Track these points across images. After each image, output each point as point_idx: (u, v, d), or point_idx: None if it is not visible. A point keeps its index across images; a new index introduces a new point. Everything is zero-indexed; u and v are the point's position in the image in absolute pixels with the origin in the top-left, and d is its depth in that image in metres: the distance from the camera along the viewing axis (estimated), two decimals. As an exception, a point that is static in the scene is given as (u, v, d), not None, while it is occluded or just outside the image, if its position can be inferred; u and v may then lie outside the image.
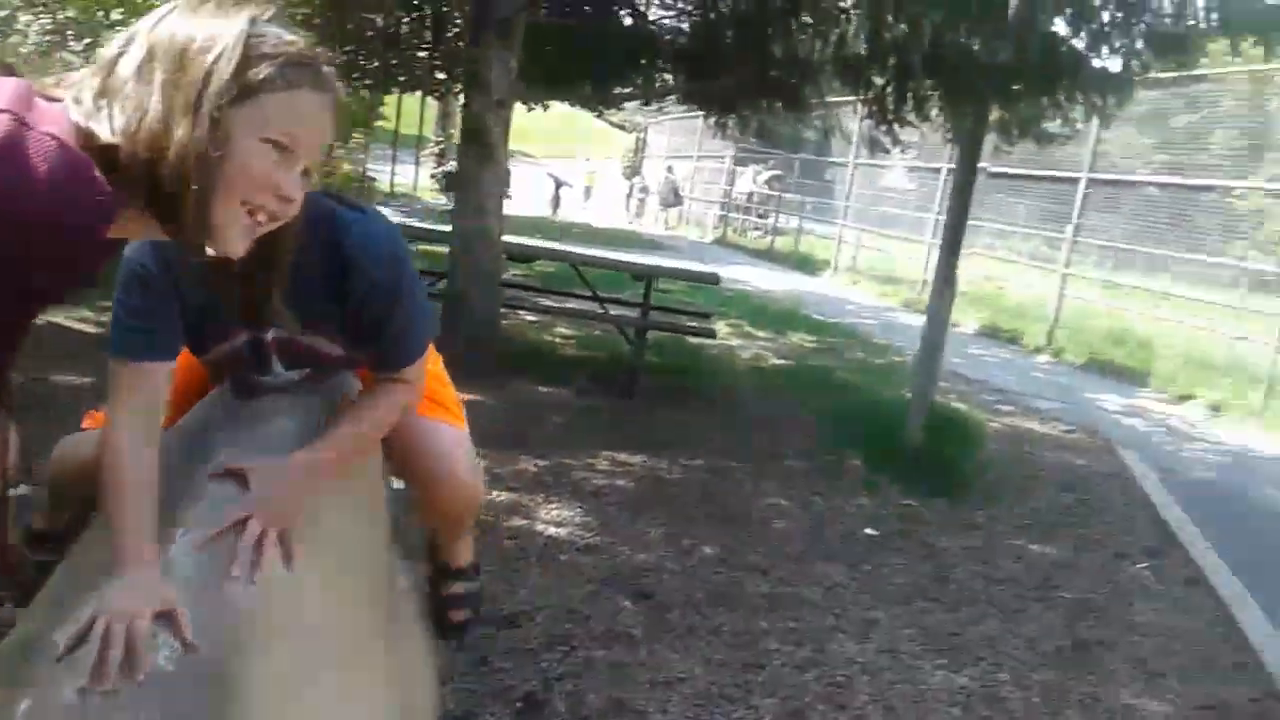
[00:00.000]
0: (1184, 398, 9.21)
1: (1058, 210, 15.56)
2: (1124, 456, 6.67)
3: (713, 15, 6.88)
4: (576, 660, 3.19)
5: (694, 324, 7.20)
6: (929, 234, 14.83)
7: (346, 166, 14.87)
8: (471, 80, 5.93)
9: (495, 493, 4.45)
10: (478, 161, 5.93)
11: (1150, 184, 12.24)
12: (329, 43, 8.81)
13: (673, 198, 26.41)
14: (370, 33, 8.28)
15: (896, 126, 6.28)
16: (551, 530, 4.18)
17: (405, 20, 7.64)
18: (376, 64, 8.82)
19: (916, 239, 15.94)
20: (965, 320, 12.17)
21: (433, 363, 2.04)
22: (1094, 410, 8.41)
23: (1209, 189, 12.07)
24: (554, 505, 4.44)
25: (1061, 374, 10.23)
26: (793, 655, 3.42)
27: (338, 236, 1.61)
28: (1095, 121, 8.89)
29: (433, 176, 25.78)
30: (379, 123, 21.09)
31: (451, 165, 21.94)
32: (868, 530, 4.70)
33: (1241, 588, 4.39)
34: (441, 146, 25.68)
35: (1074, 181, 11.46)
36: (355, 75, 9.83)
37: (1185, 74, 8.91)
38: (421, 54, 8.34)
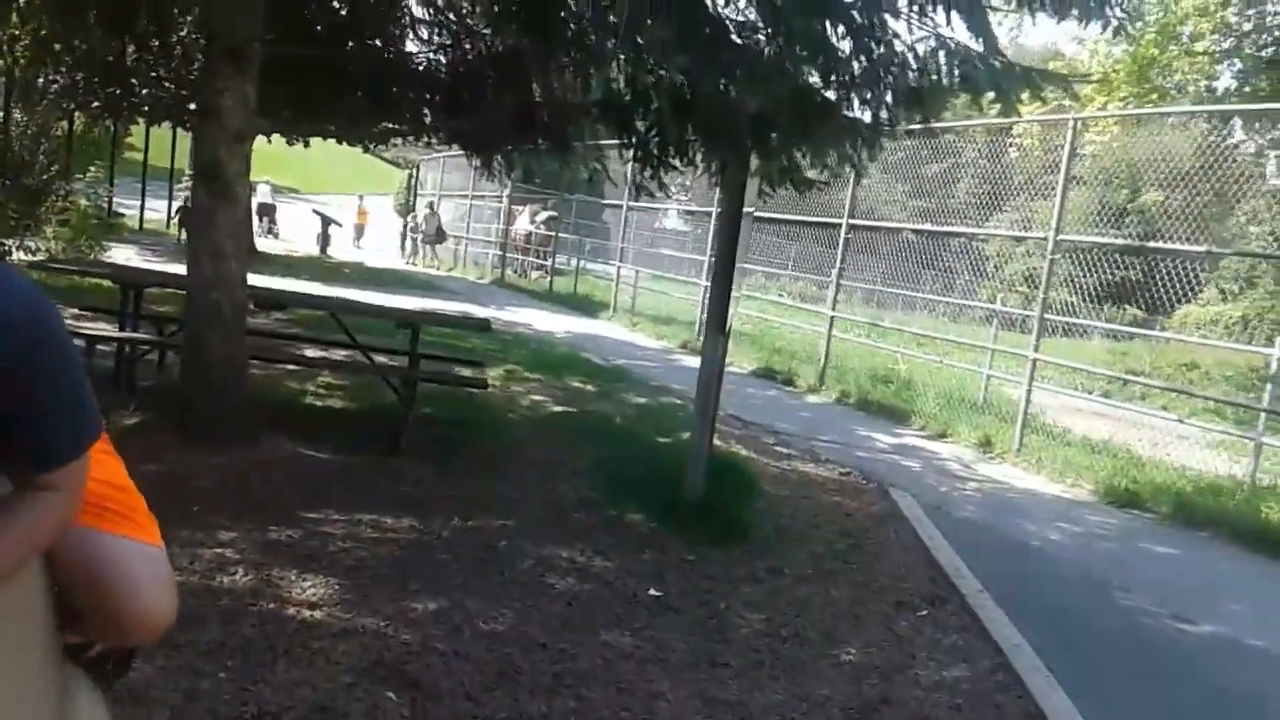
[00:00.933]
0: (945, 435, 9.58)
1: (822, 254, 16.24)
2: (896, 498, 6.78)
3: (469, 52, 6.61)
4: (330, 769, 2.79)
5: (465, 374, 6.84)
6: (704, 276, 15.04)
7: (83, 202, 13.62)
8: (204, 113, 5.39)
9: (238, 573, 3.96)
10: (213, 200, 5.38)
11: (905, 229, 12.86)
12: (56, 67, 8.06)
13: (435, 235, 26.02)
14: (110, 59, 7.53)
15: (662, 171, 6.18)
16: (305, 613, 3.73)
17: (133, 49, 6.94)
18: (114, 92, 8.03)
19: (692, 281, 16.17)
20: (741, 361, 12.35)
21: (112, 470, 1.65)
22: (865, 451, 8.60)
23: (957, 234, 12.79)
24: (308, 583, 3.99)
25: (833, 414, 10.47)
26: (574, 741, 3.14)
27: None
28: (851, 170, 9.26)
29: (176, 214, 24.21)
30: (128, 154, 19.63)
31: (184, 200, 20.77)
32: (651, 591, 4.48)
33: (1018, 635, 4.43)
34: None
35: (836, 227, 11.84)
36: (93, 104, 8.98)
37: (932, 125, 9.41)
38: (160, 81, 7.64)
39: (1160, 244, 9.47)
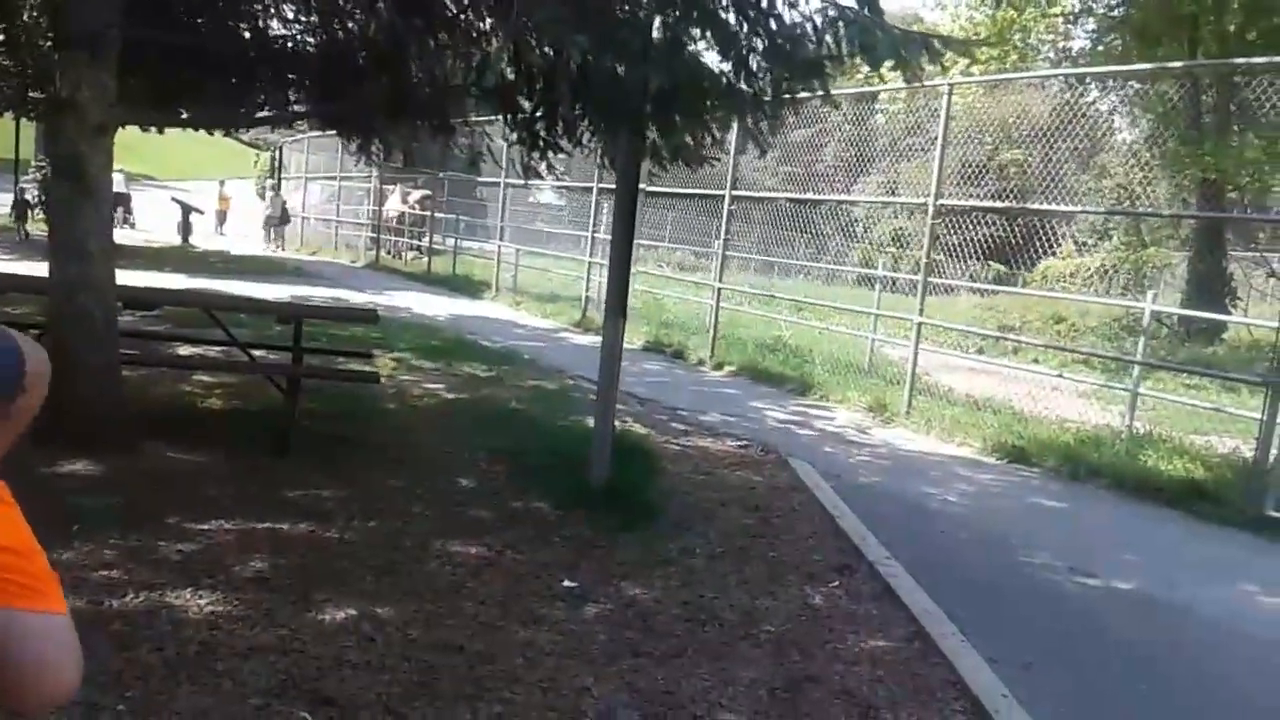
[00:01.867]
0: (836, 401, 9.72)
1: (699, 223, 16.32)
2: (797, 469, 6.83)
3: (340, 33, 6.32)
4: (245, 803, 2.63)
5: (355, 367, 6.59)
6: (586, 252, 14.93)
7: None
8: (60, 106, 5.01)
9: (129, 596, 3.72)
10: (74, 197, 5.02)
11: (784, 199, 12.97)
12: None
13: (279, 217, 25.45)
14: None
15: (550, 153, 6.03)
16: (205, 633, 3.53)
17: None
18: (-50, 81, 7.45)
19: (574, 257, 16.03)
20: (630, 336, 12.28)
21: (11, 527, 1.50)
22: (761, 422, 8.66)
23: (838, 202, 12.97)
24: (205, 600, 3.78)
25: (725, 386, 10.51)
26: (503, 748, 3.04)
27: None
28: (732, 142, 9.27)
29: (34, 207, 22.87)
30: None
31: (27, 193, 19.70)
32: (566, 582, 4.39)
33: (929, 600, 4.50)
34: (45, 171, 22.76)
35: (719, 199, 11.85)
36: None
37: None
38: (7, 72, 7.10)
39: (1043, 205, 9.72)
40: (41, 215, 19.45)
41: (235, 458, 5.57)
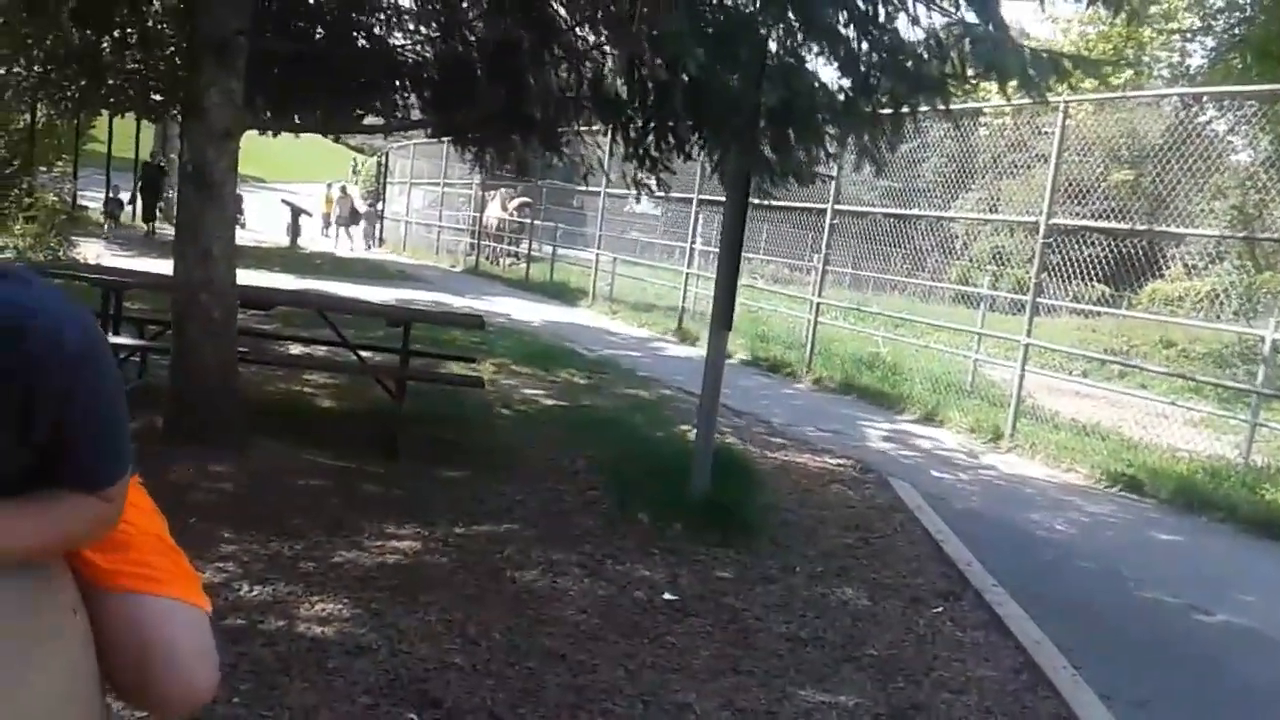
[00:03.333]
0: (936, 421, 9.55)
1: (795, 237, 16.17)
2: (897, 489, 6.72)
3: (459, 45, 6.44)
4: (358, 800, 2.68)
5: (460, 373, 6.69)
6: (684, 263, 14.94)
7: (51, 197, 13.30)
8: (189, 110, 5.19)
9: (243, 590, 3.82)
10: (200, 201, 5.19)
11: (890, 215, 12.79)
12: (20, 62, 7.78)
13: (348, 217, 26.09)
14: (67, 51, 7.29)
15: (660, 167, 6.05)
16: (315, 630, 3.60)
17: (106, 40, 6.71)
18: (78, 84, 7.78)
19: (671, 268, 16.05)
20: (729, 349, 12.25)
21: (158, 527, 1.59)
22: (859, 439, 8.55)
23: (942, 219, 12.76)
24: (317, 598, 3.86)
25: (822, 401, 10.41)
26: (606, 760, 3.04)
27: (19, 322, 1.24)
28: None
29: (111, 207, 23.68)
30: (89, 145, 19.19)
31: (120, 191, 20.38)
32: (666, 595, 4.38)
33: (1038, 630, 4.38)
34: (160, 162, 23.62)
35: (821, 213, 11.76)
36: (56, 96, 8.70)
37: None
38: (131, 74, 7.39)
39: (1162, 227, 9.40)
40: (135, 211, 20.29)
41: (345, 457, 5.69)
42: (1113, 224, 9.42)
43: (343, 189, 27.37)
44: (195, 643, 1.61)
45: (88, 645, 1.45)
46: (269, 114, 6.71)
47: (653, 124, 5.37)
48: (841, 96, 4.37)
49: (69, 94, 7.97)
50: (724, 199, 5.57)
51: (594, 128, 7.57)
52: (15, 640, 1.26)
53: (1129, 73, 16.57)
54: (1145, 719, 3.75)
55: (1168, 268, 16.53)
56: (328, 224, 28.88)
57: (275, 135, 9.32)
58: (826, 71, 4.52)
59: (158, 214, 20.12)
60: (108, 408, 1.37)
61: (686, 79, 4.36)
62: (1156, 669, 4.39)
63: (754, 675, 3.75)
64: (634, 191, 5.88)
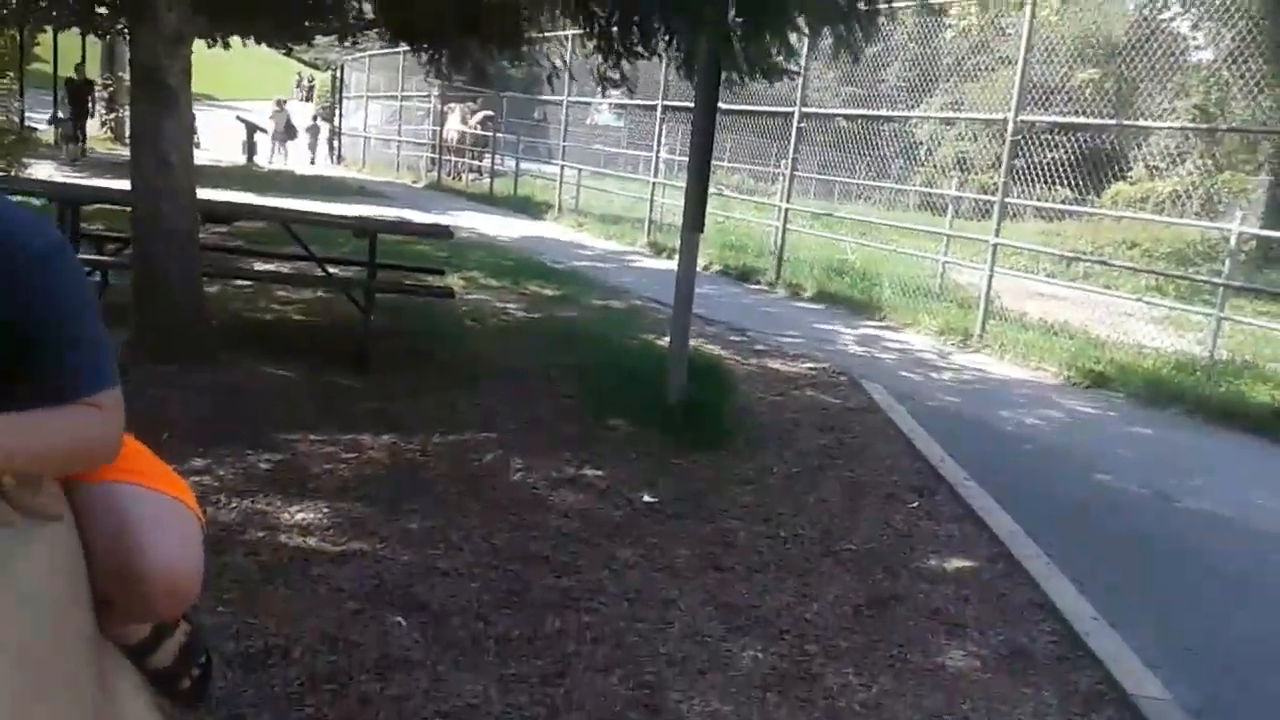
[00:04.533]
0: (906, 325, 9.59)
1: (759, 146, 15.98)
2: (870, 391, 6.76)
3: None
4: (349, 700, 2.69)
5: (429, 284, 6.60)
6: (649, 173, 14.76)
7: (0, 117, 12.88)
8: (139, 12, 4.98)
9: (223, 501, 3.79)
10: (155, 108, 5.01)
11: (857, 116, 12.66)
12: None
13: (284, 132, 25.51)
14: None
15: (625, 62, 5.92)
16: (297, 540, 3.59)
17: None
18: (20, -5, 7.47)
19: (638, 178, 15.87)
20: (699, 261, 12.19)
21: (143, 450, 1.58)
22: (831, 344, 8.57)
23: (911, 118, 12.65)
24: (296, 508, 3.84)
25: (793, 308, 10.41)
26: (593, 656, 3.07)
27: None
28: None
29: (104, 124, 23.14)
30: (34, 65, 18.50)
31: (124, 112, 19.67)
32: (646, 498, 4.40)
33: (1012, 522, 4.45)
34: (111, 90, 23.00)
35: (787, 116, 11.61)
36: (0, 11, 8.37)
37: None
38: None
39: (1131, 121, 9.35)
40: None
41: (316, 371, 5.63)
42: (1082, 119, 9.34)
43: (278, 102, 26.62)
44: (177, 528, 1.56)
45: (71, 529, 1.41)
46: (220, 20, 6.47)
47: (618, 16, 5.23)
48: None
49: (9, 6, 7.64)
50: (689, 106, 5.47)
51: (555, 32, 7.39)
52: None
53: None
54: (1117, 603, 3.81)
55: (1130, 170, 16.55)
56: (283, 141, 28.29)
57: (226, 46, 9.04)
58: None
59: (81, 134, 19.28)
60: (79, 307, 1.38)
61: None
62: (1127, 556, 4.48)
63: (735, 572, 3.79)
64: (600, 91, 5.74)
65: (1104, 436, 6.52)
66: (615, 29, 5.59)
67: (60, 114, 19.45)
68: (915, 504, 4.74)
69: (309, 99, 40.69)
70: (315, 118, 29.82)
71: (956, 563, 4.10)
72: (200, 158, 21.41)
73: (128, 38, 7.88)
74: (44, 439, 1.31)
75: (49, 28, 12.06)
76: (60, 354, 1.36)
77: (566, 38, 7.93)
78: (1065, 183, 11.97)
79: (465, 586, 3.39)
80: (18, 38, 14.63)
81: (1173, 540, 4.72)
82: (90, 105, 20.13)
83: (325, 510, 3.84)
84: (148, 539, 1.50)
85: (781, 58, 5.02)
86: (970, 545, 4.30)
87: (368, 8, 7.11)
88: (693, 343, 6.88)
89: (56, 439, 1.33)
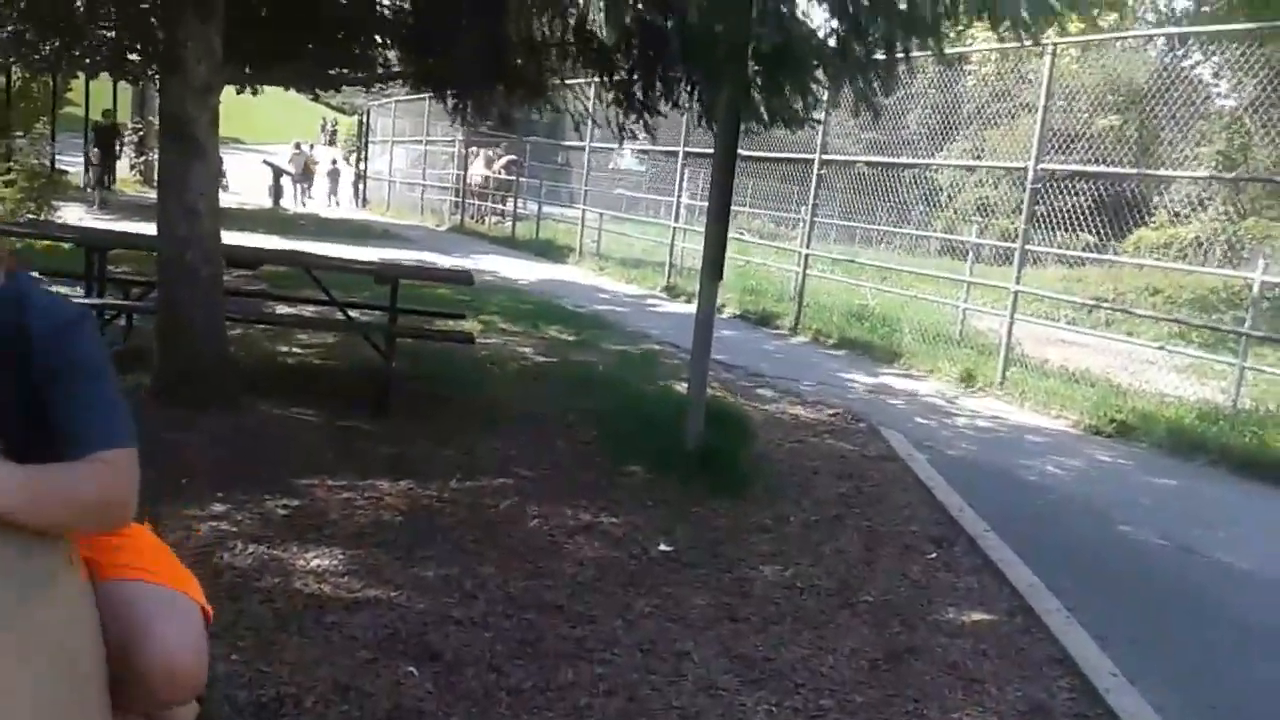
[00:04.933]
0: (927, 371, 9.56)
1: (780, 190, 16.06)
2: (888, 437, 6.73)
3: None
4: (359, 752, 2.68)
5: (449, 329, 6.64)
6: (670, 217, 14.84)
7: (32, 160, 13.12)
8: (168, 66, 5.09)
9: (237, 548, 3.81)
10: (183, 157, 5.10)
11: (877, 163, 12.71)
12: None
13: (301, 174, 25.82)
14: (40, 10, 7.13)
15: (647, 115, 6.00)
16: (313, 586, 3.59)
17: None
18: (53, 43, 7.61)
19: (658, 222, 15.96)
20: (719, 304, 12.21)
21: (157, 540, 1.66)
22: (850, 390, 8.55)
23: (929, 166, 12.68)
24: (312, 554, 3.85)
25: (813, 353, 10.41)
26: (606, 709, 3.05)
27: (20, 299, 1.50)
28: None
29: (133, 167, 23.54)
30: (66, 109, 18.89)
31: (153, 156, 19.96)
32: (662, 546, 4.39)
33: (1031, 574, 4.40)
34: (141, 134, 23.41)
35: (808, 164, 11.68)
36: (31, 57, 8.53)
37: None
38: (107, 33, 7.25)
39: (1152, 170, 9.33)
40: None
41: (336, 415, 5.66)
42: (1102, 168, 9.35)
43: (296, 145, 27.02)
44: (178, 624, 1.62)
45: (86, 595, 1.45)
46: (248, 69, 6.60)
47: (640, 69, 5.29)
48: (833, 40, 4.30)
49: (44, 54, 7.81)
50: (710, 152, 5.51)
51: (579, 79, 7.49)
52: (15, 583, 1.26)
53: (1114, 16, 16.43)
54: (1137, 658, 3.76)
55: (1152, 215, 16.50)
56: (309, 185, 28.68)
57: (255, 92, 9.18)
58: (818, 14, 4.45)
59: (109, 177, 19.48)
60: (96, 373, 1.50)
61: (676, 23, 4.29)
62: (1149, 610, 4.43)
63: (750, 623, 3.77)
64: (620, 140, 5.80)
65: (1125, 486, 6.46)
66: (637, 81, 5.66)
67: (89, 158, 19.74)
68: (933, 555, 4.70)
69: (331, 143, 41.26)
70: (335, 162, 30.25)
71: (975, 616, 4.06)
72: (227, 200, 21.77)
73: (158, 84, 8.02)
74: (51, 490, 1.36)
75: (81, 74, 12.29)
76: (75, 413, 1.45)
77: (589, 84, 8.02)
78: (1087, 228, 11.96)
79: (479, 636, 3.38)
80: (51, 84, 14.95)
81: (1195, 593, 4.66)
82: (118, 149, 20.40)
83: (341, 556, 3.85)
84: (147, 633, 1.57)
85: (801, 108, 5.06)
86: (989, 598, 4.26)
87: (392, 56, 7.21)
88: (711, 387, 6.90)
89: (63, 492, 1.38)
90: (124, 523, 1.52)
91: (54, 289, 1.59)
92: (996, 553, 4.69)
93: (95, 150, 19.19)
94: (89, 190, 18.84)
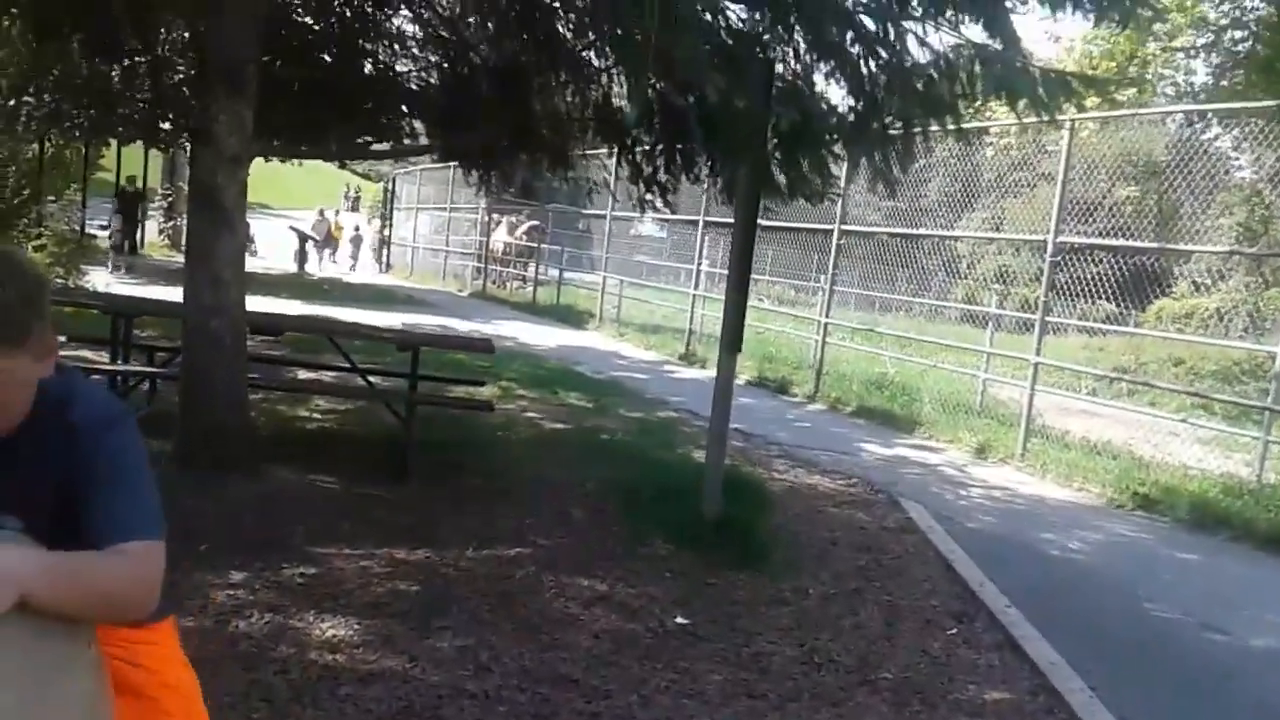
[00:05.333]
0: (947, 441, 9.51)
1: (800, 258, 16.16)
2: (908, 509, 6.69)
3: (465, 69, 6.47)
4: (370, 832, 2.65)
5: (468, 396, 6.68)
6: (690, 285, 14.94)
7: (61, 226, 13.37)
8: (199, 137, 5.22)
9: (253, 616, 3.81)
10: (212, 226, 5.21)
11: (897, 234, 12.79)
12: (30, 91, 7.83)
13: (324, 240, 26.23)
14: (77, 80, 7.33)
15: (668, 187, 6.09)
16: (328, 657, 3.58)
17: (116, 69, 6.75)
18: (88, 113, 7.82)
19: (678, 289, 16.05)
20: (737, 372, 12.21)
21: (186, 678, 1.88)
22: (869, 460, 8.51)
23: (949, 238, 12.74)
24: (327, 624, 3.84)
25: (831, 422, 10.37)
26: (620, 790, 3.01)
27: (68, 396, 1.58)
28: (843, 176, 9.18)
29: (161, 232, 23.94)
30: (98, 175, 19.27)
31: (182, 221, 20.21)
32: (679, 619, 4.36)
33: (1053, 652, 4.34)
34: (170, 199, 23.83)
35: (827, 233, 11.76)
36: (65, 124, 8.76)
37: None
38: (139, 103, 7.44)
39: (1171, 245, 9.36)
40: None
41: (355, 482, 5.68)
42: (1122, 241, 9.38)
43: (320, 212, 27.50)
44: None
45: (104, 682, 1.46)
46: (277, 141, 6.74)
47: (661, 145, 5.38)
48: (851, 117, 4.37)
49: (79, 123, 8.01)
50: (730, 221, 5.59)
51: (600, 150, 7.60)
52: (33, 664, 1.29)
53: (1132, 90, 16.58)
54: (1165, 741, 3.70)
55: (1174, 285, 16.48)
56: (334, 250, 29.09)
57: (283, 162, 9.37)
58: (836, 92, 4.54)
59: (129, 243, 19.42)
60: (129, 468, 1.56)
61: (696, 101, 4.37)
62: (1172, 689, 4.35)
63: (768, 700, 3.72)
64: (640, 212, 5.88)
65: (1148, 561, 6.37)
66: (659, 156, 5.75)
67: (112, 224, 19.79)
68: (954, 631, 4.65)
69: (354, 209, 41.91)
70: (357, 228, 30.75)
71: (996, 694, 4.00)
72: (254, 265, 22.04)
73: (188, 150, 8.21)
74: (71, 575, 1.38)
75: (113, 141, 12.57)
76: (105, 507, 1.49)
77: (611, 154, 8.15)
78: (1108, 297, 11.98)
79: (493, 710, 3.36)
80: (83, 150, 15.28)
81: (1219, 672, 4.57)
82: (140, 216, 20.48)
83: (357, 627, 3.84)
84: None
85: (820, 183, 5.12)
86: (1010, 676, 4.19)
87: (419, 125, 7.36)
88: (729, 456, 6.89)
89: (83, 578, 1.40)
90: (143, 615, 1.53)
91: (84, 367, 1.61)
92: (1018, 629, 4.63)
93: (118, 215, 19.31)
94: (112, 254, 18.99)
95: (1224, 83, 17.50)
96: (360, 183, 47.78)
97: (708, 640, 4.19)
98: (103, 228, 19.83)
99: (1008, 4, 3.89)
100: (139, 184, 20.54)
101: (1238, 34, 17.20)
